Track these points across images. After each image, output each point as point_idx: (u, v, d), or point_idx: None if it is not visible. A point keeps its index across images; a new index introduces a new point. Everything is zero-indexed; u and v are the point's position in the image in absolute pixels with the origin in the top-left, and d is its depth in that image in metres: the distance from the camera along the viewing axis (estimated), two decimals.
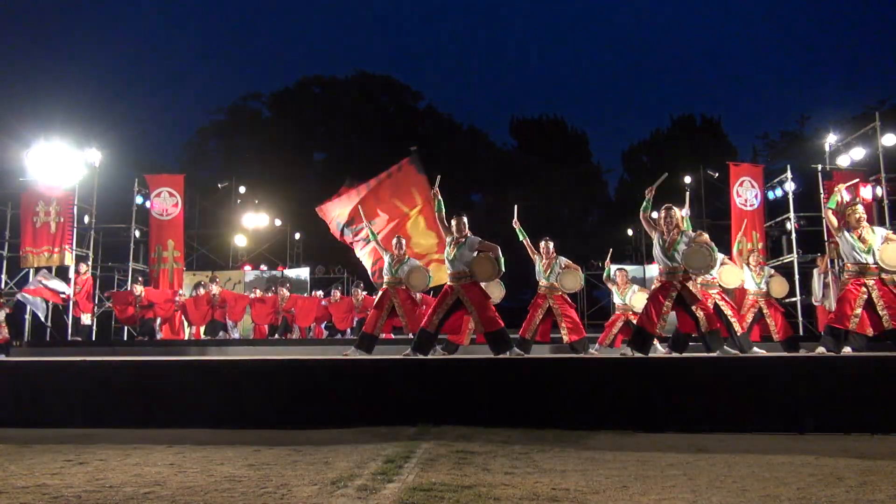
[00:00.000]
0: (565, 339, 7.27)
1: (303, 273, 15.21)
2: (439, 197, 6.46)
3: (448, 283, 6.31)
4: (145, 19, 56.51)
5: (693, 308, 5.88)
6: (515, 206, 7.34)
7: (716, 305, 7.05)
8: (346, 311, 11.04)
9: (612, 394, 4.87)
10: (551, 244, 7.47)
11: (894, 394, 4.65)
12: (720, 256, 7.49)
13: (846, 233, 6.14)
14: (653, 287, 6.28)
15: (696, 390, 4.83)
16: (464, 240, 6.23)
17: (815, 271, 11.19)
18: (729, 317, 7.18)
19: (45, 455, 3.85)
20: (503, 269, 6.20)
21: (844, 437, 4.42)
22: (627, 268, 10.39)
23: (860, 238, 6.07)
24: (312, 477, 3.15)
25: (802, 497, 2.76)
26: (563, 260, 7.42)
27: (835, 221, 6.27)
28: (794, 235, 12.31)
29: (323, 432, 4.58)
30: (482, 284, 6.34)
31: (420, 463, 3.44)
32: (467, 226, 6.31)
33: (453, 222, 6.33)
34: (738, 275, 7.55)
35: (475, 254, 6.15)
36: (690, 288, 5.94)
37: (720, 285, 7.40)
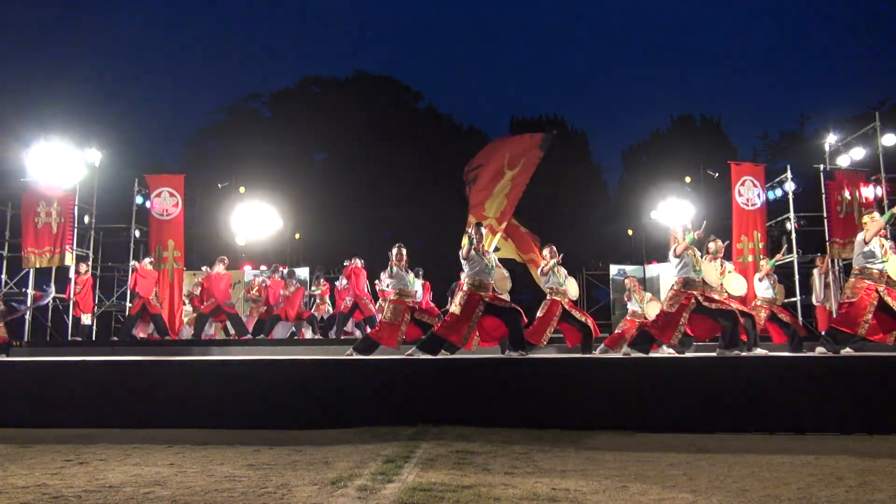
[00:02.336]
0: (593, 332, 7.42)
1: (303, 273, 15.21)
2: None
3: (474, 293, 6.35)
4: (145, 19, 56.50)
5: (718, 309, 6.12)
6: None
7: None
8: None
9: (612, 394, 4.87)
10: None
11: (894, 394, 4.65)
12: (727, 265, 7.61)
13: (876, 242, 6.24)
14: (671, 296, 6.26)
15: (696, 390, 4.84)
16: (487, 254, 6.53)
17: (816, 271, 11.18)
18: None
19: (45, 455, 3.85)
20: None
21: (844, 437, 4.42)
22: (627, 268, 10.42)
23: (882, 246, 6.23)
24: (312, 477, 3.15)
25: (802, 497, 2.76)
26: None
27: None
28: (794, 235, 12.30)
29: (323, 432, 4.58)
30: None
31: (420, 463, 3.44)
32: None
33: (472, 231, 6.50)
34: (742, 283, 7.60)
35: (498, 268, 6.70)
36: (709, 295, 6.25)
37: (726, 293, 7.41)
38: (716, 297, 6.42)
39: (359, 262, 10.92)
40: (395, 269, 7.05)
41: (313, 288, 12.07)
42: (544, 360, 5.52)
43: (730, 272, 7.62)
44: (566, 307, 7.32)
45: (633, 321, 8.70)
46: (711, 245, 7.21)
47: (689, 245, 6.22)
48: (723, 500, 2.71)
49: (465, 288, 6.43)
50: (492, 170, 10.37)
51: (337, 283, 11.77)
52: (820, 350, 6.18)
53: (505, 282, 7.33)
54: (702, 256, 6.51)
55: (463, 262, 6.43)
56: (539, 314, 7.38)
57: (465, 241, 6.45)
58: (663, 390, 4.84)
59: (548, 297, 7.43)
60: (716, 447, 4.02)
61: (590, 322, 7.38)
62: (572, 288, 7.54)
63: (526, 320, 6.66)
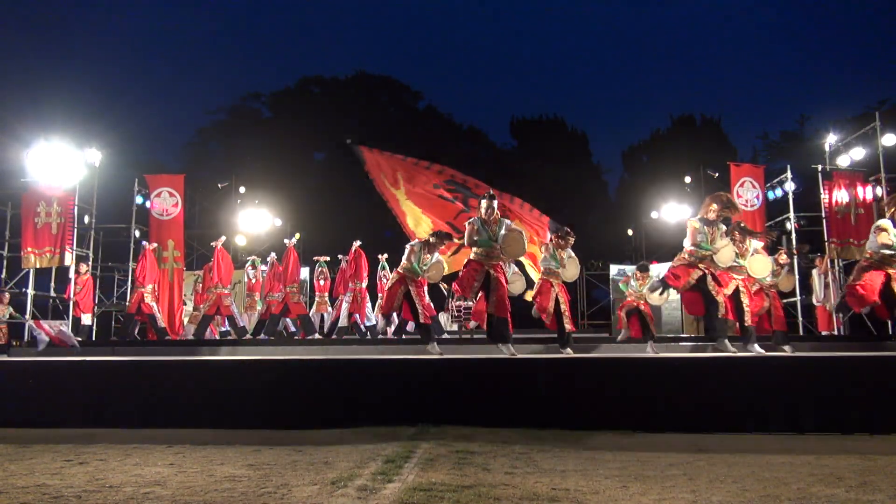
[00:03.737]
0: (568, 327, 7.22)
1: (303, 273, 15.20)
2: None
3: (476, 261, 6.39)
4: (145, 19, 56.51)
5: (709, 294, 6.18)
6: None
7: (735, 291, 6.75)
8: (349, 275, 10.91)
9: (612, 394, 4.87)
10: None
11: (894, 394, 4.65)
12: (753, 244, 7.37)
13: (892, 226, 6.35)
14: (680, 258, 6.46)
15: (696, 390, 4.84)
16: (498, 221, 6.46)
17: (815, 271, 11.18)
18: (745, 305, 6.97)
19: (45, 455, 3.85)
20: (526, 250, 6.74)
21: (844, 437, 4.42)
22: (627, 268, 10.40)
23: None
24: (312, 477, 3.15)
25: (802, 497, 2.76)
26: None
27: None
28: (794, 235, 12.31)
29: (323, 432, 4.58)
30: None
31: (420, 463, 3.44)
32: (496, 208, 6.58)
33: (484, 203, 6.44)
34: (767, 266, 7.28)
35: (507, 233, 6.43)
36: (715, 272, 6.30)
37: (748, 273, 7.09)
38: (718, 277, 6.36)
39: (358, 244, 10.87)
40: (416, 253, 7.11)
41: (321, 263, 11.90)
42: (544, 360, 5.53)
43: (756, 251, 7.25)
44: (556, 290, 7.18)
45: (631, 302, 8.50)
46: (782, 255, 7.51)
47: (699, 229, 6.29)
48: (723, 500, 2.71)
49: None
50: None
51: (342, 262, 11.69)
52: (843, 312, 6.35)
53: (439, 269, 7.17)
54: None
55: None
56: (534, 293, 7.33)
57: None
58: (663, 390, 4.84)
59: (539, 278, 7.36)
60: (716, 447, 4.02)
61: (567, 314, 7.21)
62: (571, 269, 7.32)
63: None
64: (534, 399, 4.88)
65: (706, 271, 6.23)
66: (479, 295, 6.52)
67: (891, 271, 6.32)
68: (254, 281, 12.27)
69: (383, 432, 4.47)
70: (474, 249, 6.42)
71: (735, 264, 6.75)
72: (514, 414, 4.79)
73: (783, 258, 7.78)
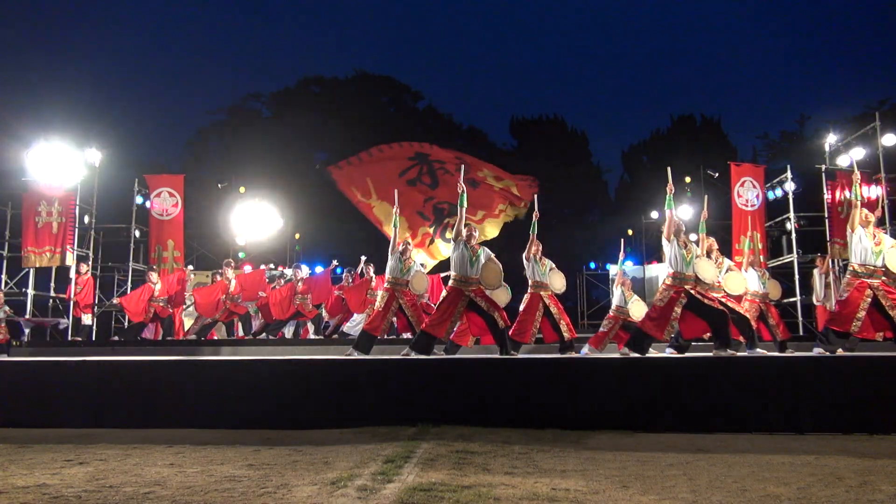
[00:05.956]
0: (567, 336, 7.23)
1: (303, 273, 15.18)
2: (465, 192, 6.60)
3: (456, 288, 6.39)
4: (145, 19, 56.59)
5: (709, 307, 5.96)
6: (535, 195, 7.44)
7: (723, 304, 6.89)
8: (363, 291, 10.71)
9: (612, 394, 4.87)
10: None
11: (894, 394, 4.65)
12: (726, 262, 7.45)
13: (863, 231, 6.12)
14: (661, 291, 6.19)
15: (696, 390, 4.84)
16: (479, 249, 6.52)
17: (816, 271, 11.18)
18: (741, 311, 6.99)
19: (45, 455, 3.85)
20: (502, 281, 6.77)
21: (844, 437, 4.42)
22: (627, 268, 10.42)
23: (874, 239, 6.11)
24: (312, 477, 3.15)
25: (802, 497, 2.76)
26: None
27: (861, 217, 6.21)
28: (794, 235, 12.31)
29: (323, 432, 4.58)
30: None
31: (420, 463, 3.44)
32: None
33: (465, 231, 6.50)
34: (742, 282, 7.37)
35: (486, 262, 6.52)
36: (702, 291, 6.04)
37: (725, 291, 7.26)
38: (705, 294, 6.16)
39: (371, 272, 10.56)
40: (396, 256, 7.17)
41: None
42: (544, 360, 5.52)
43: (730, 269, 7.43)
44: (546, 301, 7.22)
45: (617, 317, 8.52)
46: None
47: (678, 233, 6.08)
48: (723, 500, 2.71)
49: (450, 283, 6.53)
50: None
51: (343, 282, 11.63)
52: (818, 350, 6.17)
53: (505, 295, 7.23)
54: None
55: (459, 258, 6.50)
56: (521, 309, 7.33)
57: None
58: (663, 390, 4.84)
59: (528, 291, 7.35)
60: (716, 447, 4.02)
61: (564, 322, 7.25)
62: (557, 281, 7.39)
63: (508, 322, 6.60)
64: (534, 399, 4.88)
65: (692, 290, 5.96)
66: (463, 318, 6.57)
67: (872, 282, 6.00)
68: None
69: (383, 432, 4.47)
70: (453, 276, 6.46)
71: (714, 282, 6.69)
72: (514, 414, 4.80)
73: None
